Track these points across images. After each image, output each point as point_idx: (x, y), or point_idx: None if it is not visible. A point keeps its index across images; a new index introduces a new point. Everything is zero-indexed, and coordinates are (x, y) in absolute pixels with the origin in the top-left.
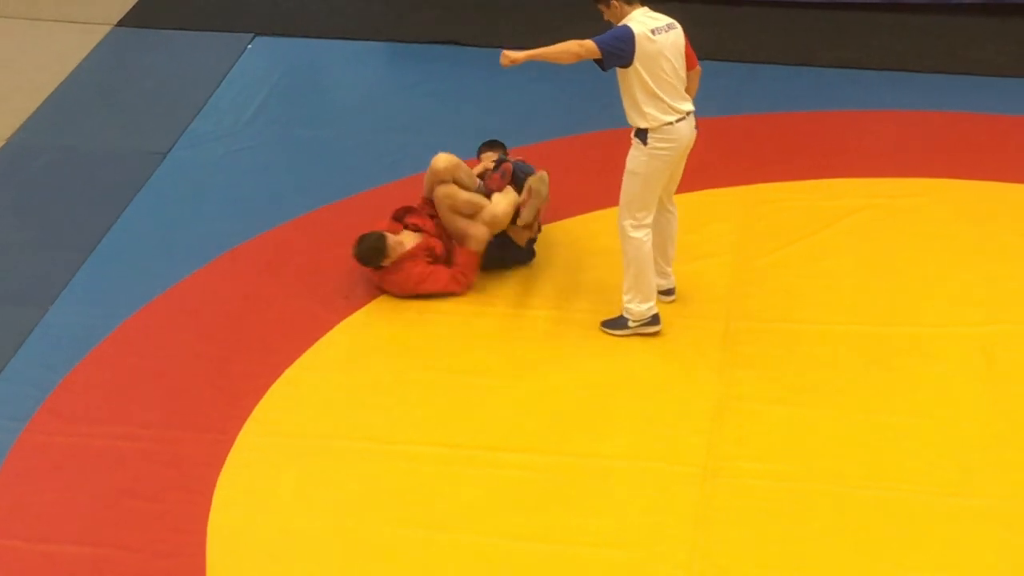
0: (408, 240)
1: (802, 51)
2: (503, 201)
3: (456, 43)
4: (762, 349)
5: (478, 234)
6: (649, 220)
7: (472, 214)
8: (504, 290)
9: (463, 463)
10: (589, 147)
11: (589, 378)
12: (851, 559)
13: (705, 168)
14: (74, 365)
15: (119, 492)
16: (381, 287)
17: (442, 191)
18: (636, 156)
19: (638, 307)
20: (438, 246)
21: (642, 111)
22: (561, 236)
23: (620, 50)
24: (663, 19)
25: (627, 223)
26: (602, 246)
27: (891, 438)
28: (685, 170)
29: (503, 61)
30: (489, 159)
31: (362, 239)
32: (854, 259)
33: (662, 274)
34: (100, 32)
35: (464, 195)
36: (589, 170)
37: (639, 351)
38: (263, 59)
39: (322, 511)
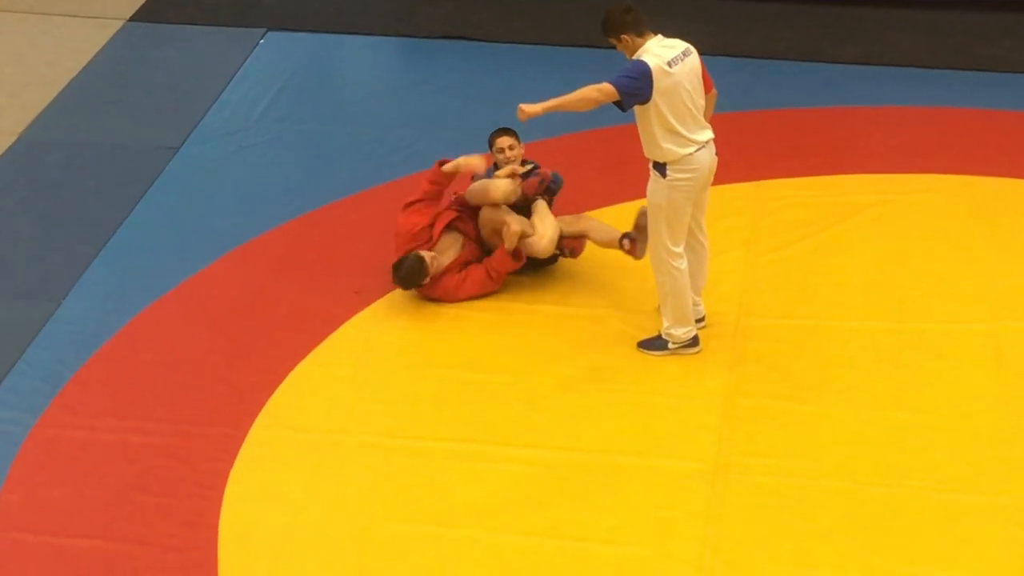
0: (446, 249)
1: (813, 47)
2: (548, 232)
3: (467, 38)
4: (772, 345)
5: (513, 232)
6: (681, 248)
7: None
8: (514, 286)
9: (473, 458)
10: (599, 142)
11: (599, 374)
12: (861, 555)
13: None
14: (86, 360)
15: (130, 486)
16: (428, 297)
17: (491, 215)
18: (656, 189)
19: (677, 331)
20: (472, 252)
21: (660, 146)
22: None
23: (638, 89)
24: (678, 46)
25: (660, 254)
26: None
27: (901, 434)
28: None
29: (520, 116)
30: (505, 144)
31: (400, 264)
32: (865, 255)
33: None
34: (112, 27)
35: (514, 225)
36: (599, 166)
37: None
38: (275, 54)
39: (332, 506)
